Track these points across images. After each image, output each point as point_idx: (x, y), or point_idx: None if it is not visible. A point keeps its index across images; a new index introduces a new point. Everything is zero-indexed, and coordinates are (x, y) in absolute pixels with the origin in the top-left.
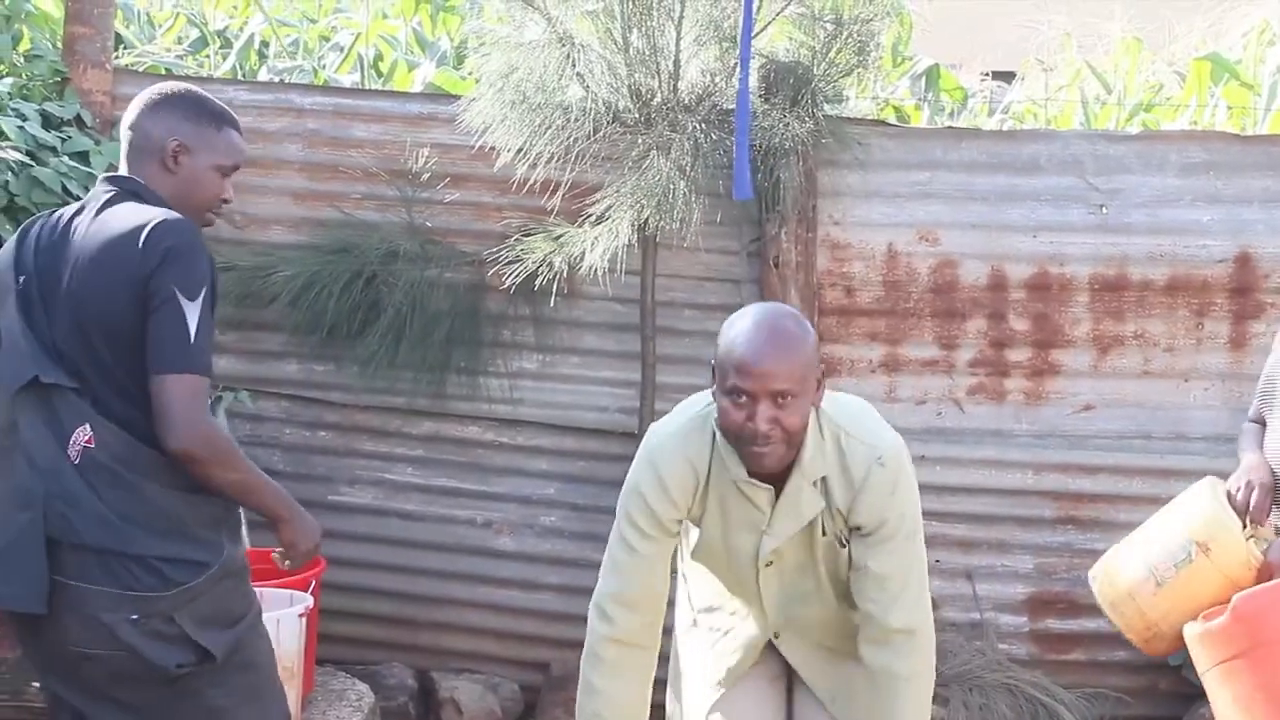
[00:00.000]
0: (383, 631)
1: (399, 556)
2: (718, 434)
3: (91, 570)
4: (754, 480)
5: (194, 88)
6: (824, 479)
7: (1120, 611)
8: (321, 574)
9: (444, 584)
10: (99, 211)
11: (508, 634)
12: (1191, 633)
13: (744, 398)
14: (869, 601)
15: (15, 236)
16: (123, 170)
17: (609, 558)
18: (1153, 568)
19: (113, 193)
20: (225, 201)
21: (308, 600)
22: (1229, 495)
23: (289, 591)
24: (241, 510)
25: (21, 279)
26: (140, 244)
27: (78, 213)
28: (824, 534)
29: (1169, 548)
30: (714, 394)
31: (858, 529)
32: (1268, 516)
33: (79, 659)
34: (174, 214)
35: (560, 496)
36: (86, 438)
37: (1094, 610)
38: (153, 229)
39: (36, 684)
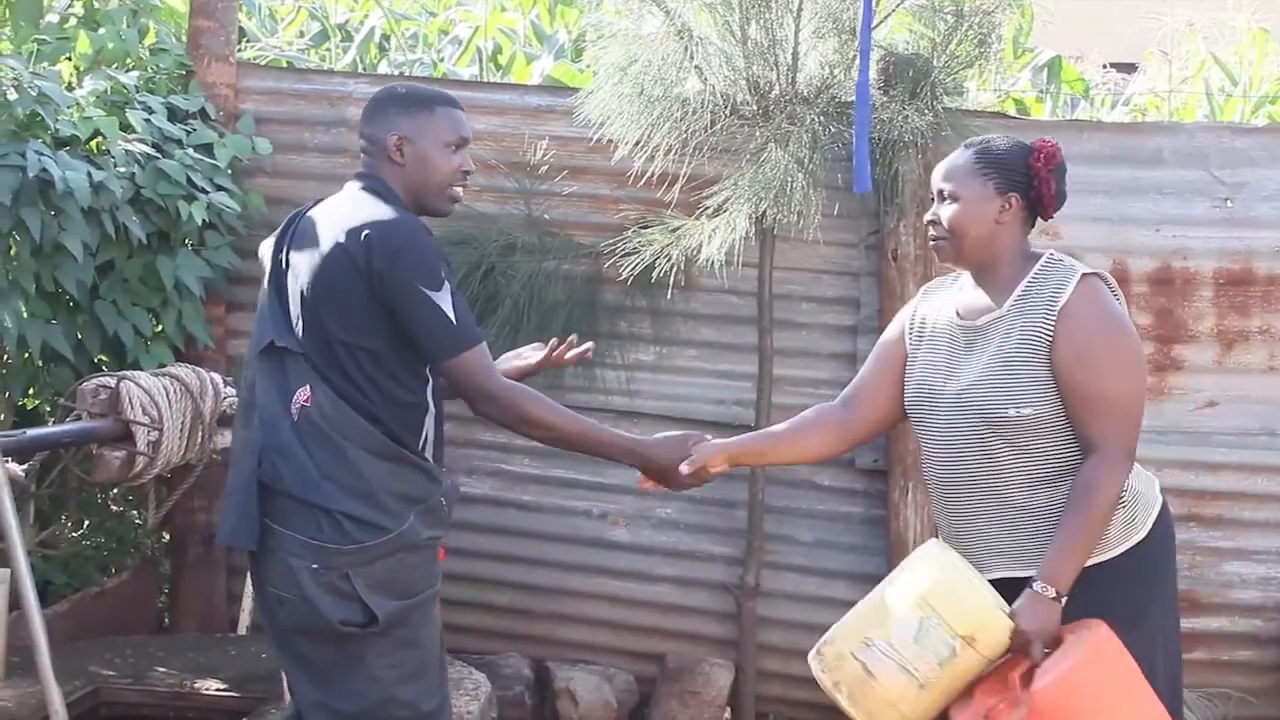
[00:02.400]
0: (500, 621)
1: (516, 547)
2: None
3: (290, 517)
4: None
5: (403, 84)
6: None
7: (874, 715)
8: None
9: (560, 575)
10: (343, 199)
11: (623, 625)
12: None
13: None
14: None
15: (288, 218)
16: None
17: None
18: (913, 670)
19: (358, 185)
20: (466, 173)
21: None
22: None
23: None
24: (444, 500)
25: (280, 256)
26: (362, 243)
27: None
28: None
29: (930, 644)
30: None
31: None
32: None
33: (276, 602)
34: (393, 215)
35: None
36: (305, 397)
37: (1216, 609)
38: (370, 233)
39: (160, 669)
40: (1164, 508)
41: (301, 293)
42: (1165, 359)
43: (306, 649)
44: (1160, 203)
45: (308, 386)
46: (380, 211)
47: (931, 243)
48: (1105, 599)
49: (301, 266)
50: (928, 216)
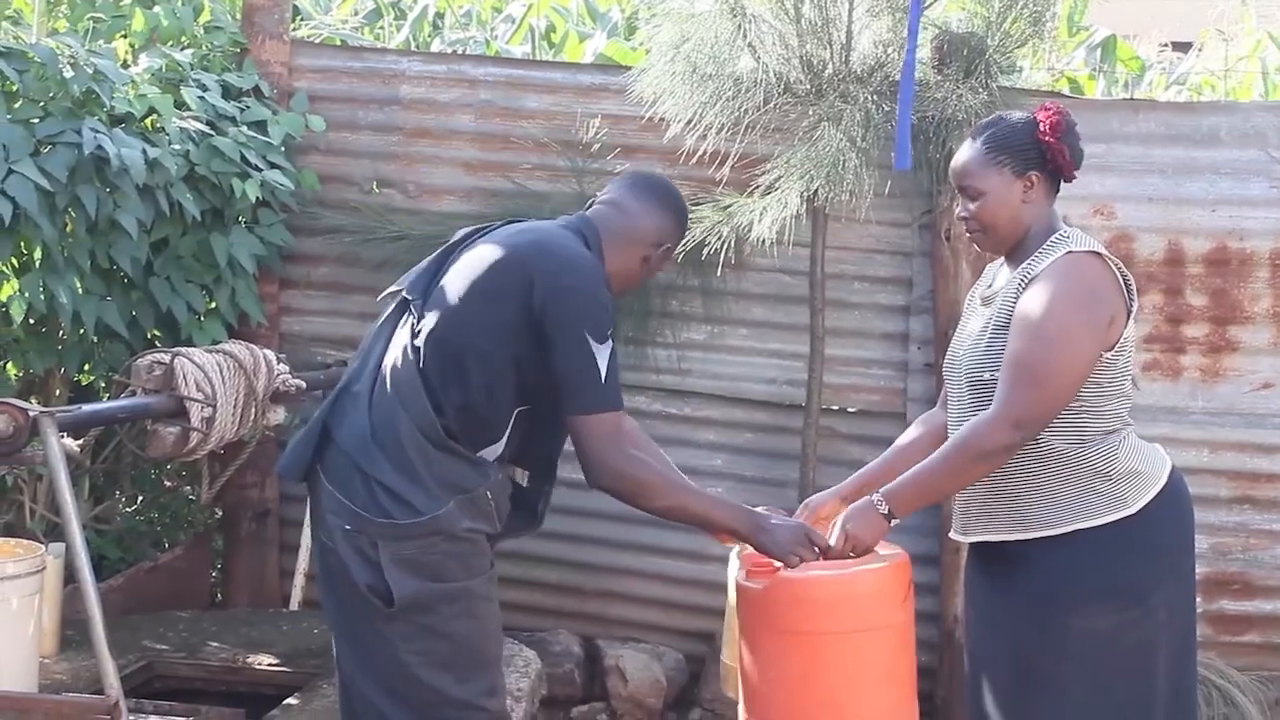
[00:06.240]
0: (550, 599)
1: (567, 525)
2: None
3: (334, 470)
4: None
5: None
6: None
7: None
8: None
9: (611, 553)
10: (551, 225)
11: (674, 604)
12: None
13: None
14: None
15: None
16: (591, 211)
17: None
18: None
19: (567, 226)
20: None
21: None
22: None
23: None
24: (494, 504)
25: (469, 237)
26: (541, 264)
27: (517, 222)
28: None
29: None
30: None
31: None
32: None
33: (322, 551)
34: (585, 257)
35: (727, 468)
36: (393, 361)
37: (1269, 592)
38: (554, 261)
39: (213, 643)
40: (1173, 489)
41: (459, 275)
42: (1221, 340)
43: (348, 603)
44: (1216, 183)
45: (403, 347)
46: (573, 249)
47: (969, 236)
48: (1082, 569)
49: (474, 257)
50: (959, 213)
